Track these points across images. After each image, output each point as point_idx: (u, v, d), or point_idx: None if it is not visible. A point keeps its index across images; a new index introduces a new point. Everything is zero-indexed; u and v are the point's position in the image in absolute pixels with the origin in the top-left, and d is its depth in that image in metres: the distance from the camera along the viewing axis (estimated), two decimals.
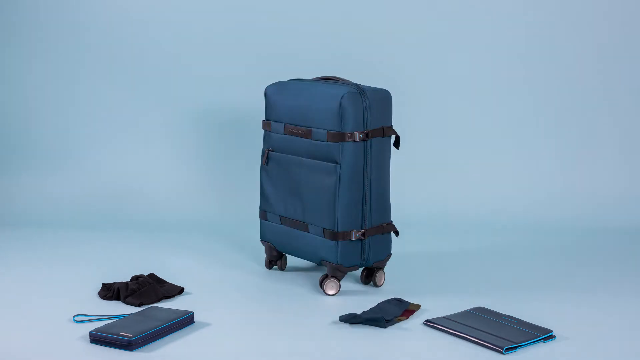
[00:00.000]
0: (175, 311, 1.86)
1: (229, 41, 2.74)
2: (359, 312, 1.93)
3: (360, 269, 2.21)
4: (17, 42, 2.78)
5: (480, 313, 1.89)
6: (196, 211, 2.68)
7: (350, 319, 1.85)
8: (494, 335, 1.77)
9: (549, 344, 1.74)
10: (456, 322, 1.83)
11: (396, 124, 2.73)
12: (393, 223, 2.10)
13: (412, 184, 2.72)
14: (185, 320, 1.84)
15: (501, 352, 1.71)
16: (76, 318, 1.88)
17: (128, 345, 1.72)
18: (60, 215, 2.66)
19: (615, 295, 2.01)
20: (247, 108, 2.75)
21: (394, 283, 2.10)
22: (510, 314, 1.90)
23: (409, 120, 2.75)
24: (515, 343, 1.73)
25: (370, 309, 1.91)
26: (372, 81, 2.71)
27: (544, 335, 1.77)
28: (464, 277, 2.15)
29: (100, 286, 2.07)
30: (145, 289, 1.97)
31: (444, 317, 1.86)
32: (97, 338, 1.75)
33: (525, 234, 2.53)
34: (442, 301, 1.98)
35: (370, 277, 2.10)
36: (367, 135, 1.98)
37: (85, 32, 2.77)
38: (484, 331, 1.79)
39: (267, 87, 2.16)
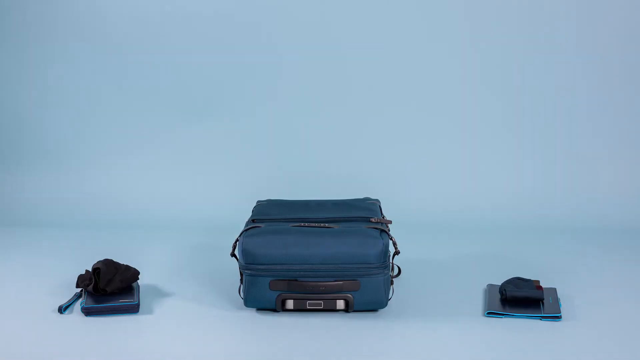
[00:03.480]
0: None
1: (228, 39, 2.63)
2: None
3: None
4: (13, 42, 2.73)
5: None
6: (196, 212, 2.67)
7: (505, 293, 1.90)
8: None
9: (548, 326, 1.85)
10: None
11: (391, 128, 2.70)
12: None
13: (408, 185, 2.68)
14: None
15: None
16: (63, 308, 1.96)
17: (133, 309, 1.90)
18: (58, 215, 2.67)
19: (616, 293, 2.05)
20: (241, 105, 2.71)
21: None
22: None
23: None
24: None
25: (514, 290, 1.92)
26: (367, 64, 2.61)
27: (550, 314, 1.86)
28: (462, 276, 2.17)
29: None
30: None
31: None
32: (93, 311, 1.88)
33: (522, 235, 2.51)
34: (441, 300, 2.01)
35: None
36: None
37: (83, 32, 2.71)
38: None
39: None
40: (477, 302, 1.98)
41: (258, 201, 2.19)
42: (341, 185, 2.69)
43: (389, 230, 2.09)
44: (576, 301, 1.96)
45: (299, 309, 1.89)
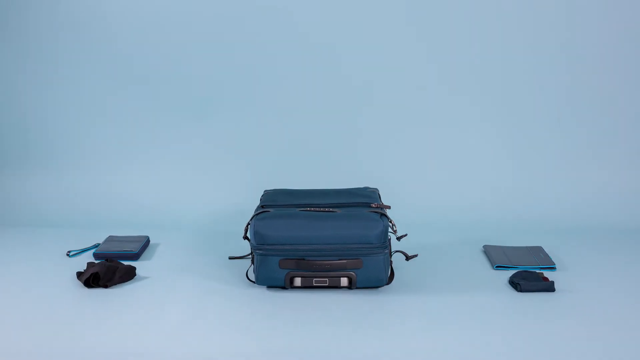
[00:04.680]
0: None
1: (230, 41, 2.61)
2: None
3: None
4: (15, 43, 2.74)
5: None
6: (207, 204, 2.73)
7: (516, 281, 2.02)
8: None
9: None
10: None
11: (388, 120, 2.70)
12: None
13: (405, 182, 2.74)
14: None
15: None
16: (71, 253, 2.33)
17: (134, 257, 2.27)
18: (65, 214, 2.71)
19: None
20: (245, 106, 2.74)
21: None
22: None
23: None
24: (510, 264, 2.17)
25: (523, 282, 2.02)
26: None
27: (546, 265, 2.16)
28: (457, 261, 2.29)
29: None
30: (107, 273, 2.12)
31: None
32: (102, 256, 2.27)
33: (520, 232, 2.59)
34: (436, 280, 2.06)
35: None
36: None
37: (85, 34, 2.72)
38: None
39: None
40: (472, 281, 2.12)
41: (265, 190, 2.33)
42: (340, 177, 2.76)
43: (389, 216, 2.23)
44: (574, 298, 2.04)
45: (306, 286, 2.05)
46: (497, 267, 2.18)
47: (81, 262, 2.27)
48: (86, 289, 2.06)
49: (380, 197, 2.26)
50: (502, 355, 1.67)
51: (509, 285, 2.07)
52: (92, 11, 2.73)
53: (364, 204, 2.13)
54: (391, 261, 2.12)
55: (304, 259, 2.01)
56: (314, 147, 2.78)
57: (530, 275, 2.07)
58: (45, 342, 1.74)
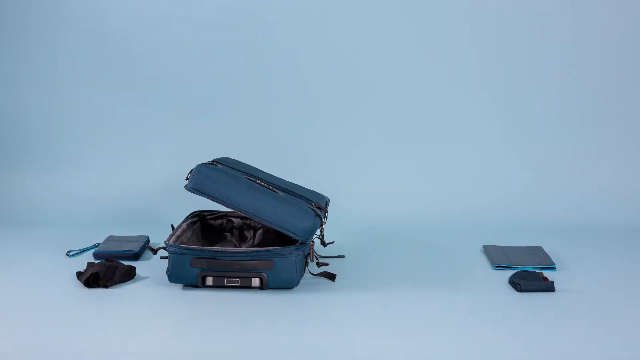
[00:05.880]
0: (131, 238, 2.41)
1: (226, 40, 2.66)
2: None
3: None
4: (15, 42, 2.74)
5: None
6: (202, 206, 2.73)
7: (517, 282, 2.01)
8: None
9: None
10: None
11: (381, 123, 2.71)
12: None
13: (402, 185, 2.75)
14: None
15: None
16: (71, 253, 2.33)
17: (134, 257, 2.27)
18: (64, 214, 2.71)
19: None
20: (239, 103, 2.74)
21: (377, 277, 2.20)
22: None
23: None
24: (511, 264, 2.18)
25: (522, 282, 2.01)
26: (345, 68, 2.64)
27: (546, 265, 2.17)
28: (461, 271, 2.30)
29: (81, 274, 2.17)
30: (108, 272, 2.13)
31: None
32: (101, 256, 2.27)
33: (520, 233, 2.58)
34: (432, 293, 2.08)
35: None
36: None
37: (85, 33, 2.73)
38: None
39: None
40: (472, 281, 2.12)
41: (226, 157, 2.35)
42: (340, 178, 2.76)
43: (324, 220, 2.20)
44: (573, 298, 2.04)
45: (218, 286, 2.05)
46: (497, 267, 2.19)
47: (81, 262, 2.28)
48: (86, 289, 2.06)
49: (327, 204, 2.25)
50: (502, 355, 1.67)
51: (509, 285, 2.07)
52: (92, 11, 2.74)
53: (307, 200, 2.17)
54: (327, 264, 2.18)
55: (215, 259, 2.03)
56: (314, 147, 2.78)
57: (530, 275, 2.07)
58: (45, 342, 1.74)
